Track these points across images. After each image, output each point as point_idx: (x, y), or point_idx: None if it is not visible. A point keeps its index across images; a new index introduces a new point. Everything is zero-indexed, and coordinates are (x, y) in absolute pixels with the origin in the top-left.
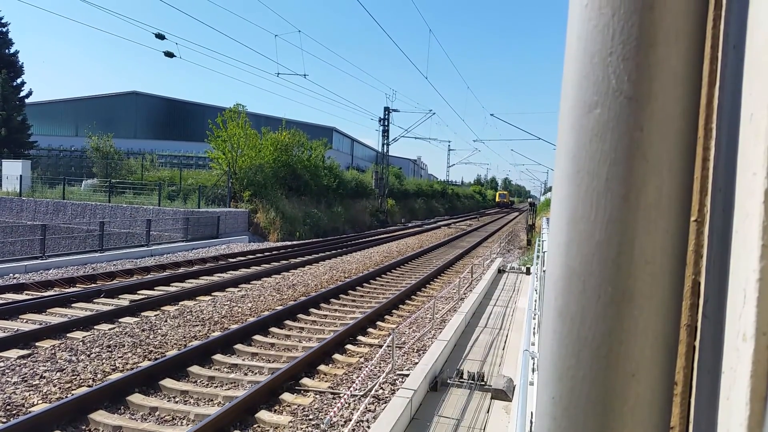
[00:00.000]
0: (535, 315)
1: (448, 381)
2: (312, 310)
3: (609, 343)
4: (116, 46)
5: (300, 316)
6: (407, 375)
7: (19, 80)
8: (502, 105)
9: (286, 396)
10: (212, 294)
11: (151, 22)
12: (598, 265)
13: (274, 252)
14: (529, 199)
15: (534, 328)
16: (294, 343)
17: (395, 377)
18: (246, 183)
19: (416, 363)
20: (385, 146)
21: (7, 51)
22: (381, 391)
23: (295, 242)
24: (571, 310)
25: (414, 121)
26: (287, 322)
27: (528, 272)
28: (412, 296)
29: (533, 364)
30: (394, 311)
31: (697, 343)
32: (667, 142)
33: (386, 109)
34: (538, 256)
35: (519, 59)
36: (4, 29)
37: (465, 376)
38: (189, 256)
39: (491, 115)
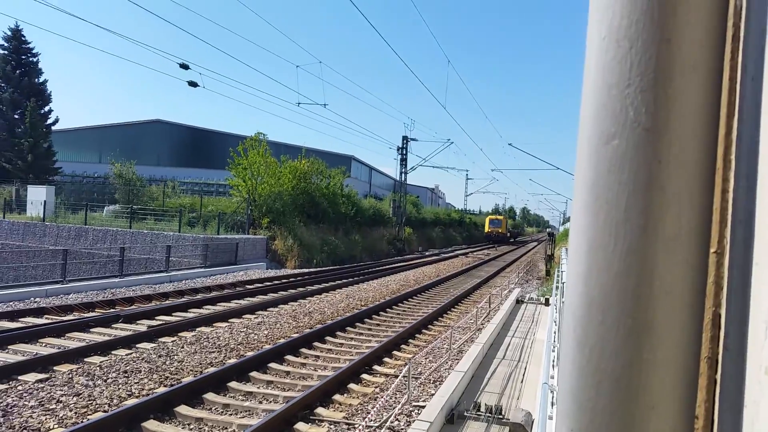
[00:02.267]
0: (554, 347)
1: (465, 413)
2: (328, 338)
3: (629, 374)
4: (142, 76)
5: (316, 344)
6: (423, 406)
7: (46, 108)
8: (520, 134)
9: (301, 426)
10: (229, 321)
11: (176, 52)
12: (617, 296)
13: (291, 279)
14: (547, 229)
15: (553, 361)
16: (309, 372)
17: (411, 408)
18: (265, 210)
19: (433, 394)
20: (402, 175)
21: (36, 80)
22: (396, 422)
23: (312, 269)
24: (590, 340)
25: (432, 150)
26: (303, 350)
27: (547, 303)
28: (429, 326)
29: (552, 397)
30: (410, 341)
31: (718, 377)
32: (686, 173)
33: (404, 138)
34: (557, 287)
35: (537, 89)
36: (35, 59)
37: (482, 408)
38: (207, 282)
39: (509, 144)
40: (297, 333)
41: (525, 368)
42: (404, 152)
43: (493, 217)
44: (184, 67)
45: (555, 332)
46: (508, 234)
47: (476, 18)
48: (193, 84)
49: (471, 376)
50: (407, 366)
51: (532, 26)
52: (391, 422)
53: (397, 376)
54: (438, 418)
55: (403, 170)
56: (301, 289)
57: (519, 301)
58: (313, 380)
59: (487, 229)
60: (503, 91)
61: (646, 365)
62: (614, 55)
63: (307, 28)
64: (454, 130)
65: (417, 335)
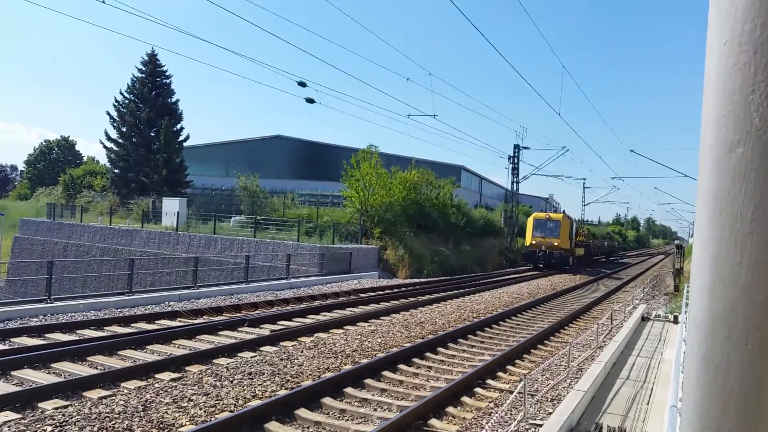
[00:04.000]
0: (684, 368)
1: None
2: (440, 349)
3: (758, 392)
4: (263, 94)
5: (427, 354)
6: (540, 425)
7: (178, 126)
8: (643, 140)
9: None
10: (344, 327)
11: (294, 71)
12: (744, 310)
13: (402, 289)
14: (675, 241)
15: (683, 383)
16: (422, 382)
17: (528, 426)
18: (376, 220)
19: (550, 413)
20: (514, 184)
21: (169, 100)
22: None
23: (422, 280)
24: (715, 357)
25: (546, 159)
26: (415, 359)
27: (676, 321)
28: (545, 341)
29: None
30: (525, 356)
31: None
32: None
33: (516, 146)
34: (687, 304)
35: (659, 93)
36: (168, 81)
37: (604, 430)
38: (323, 289)
39: (631, 151)
40: (409, 342)
41: (651, 390)
42: (516, 161)
43: (541, 215)
44: (302, 84)
45: (685, 352)
46: (581, 249)
47: (593, 21)
48: (310, 100)
49: (591, 396)
50: (522, 382)
51: (653, 29)
52: None
53: (511, 392)
54: None
55: (515, 179)
56: (412, 299)
57: (644, 319)
58: (425, 391)
59: (529, 239)
60: (623, 96)
61: None
62: (736, 61)
63: (417, 41)
64: (569, 137)
65: (532, 351)
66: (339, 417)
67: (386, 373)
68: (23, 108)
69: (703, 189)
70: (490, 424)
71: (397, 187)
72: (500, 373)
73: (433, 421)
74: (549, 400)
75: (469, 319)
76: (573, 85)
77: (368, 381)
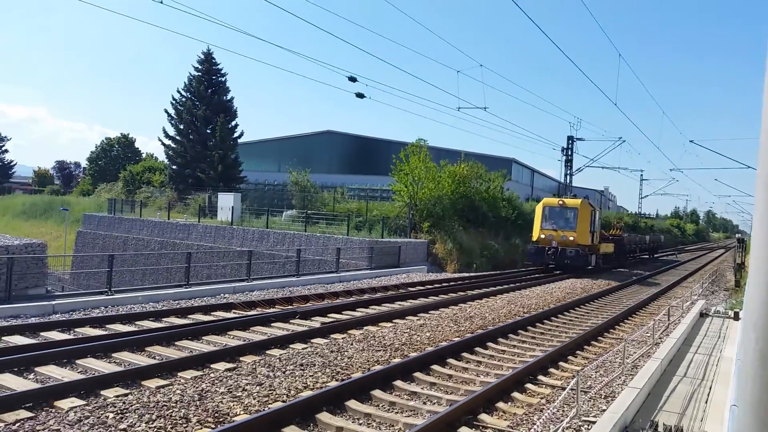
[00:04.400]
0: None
1: None
2: (489, 344)
3: None
4: (314, 90)
5: (477, 349)
6: (594, 422)
7: (233, 123)
8: (703, 131)
9: (464, 430)
10: (393, 321)
11: (345, 66)
12: None
13: (451, 283)
14: (737, 235)
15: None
16: (471, 377)
17: (580, 423)
18: (425, 214)
19: (604, 410)
20: (568, 177)
21: (225, 98)
22: None
23: (472, 274)
24: None
25: (601, 150)
26: (464, 354)
27: (736, 317)
28: (599, 337)
29: None
30: (578, 352)
31: None
32: None
33: (569, 138)
34: None
35: (721, 82)
36: (223, 79)
37: (660, 428)
38: (372, 283)
39: (691, 141)
40: (458, 337)
41: (710, 388)
42: (569, 153)
43: (553, 201)
44: (353, 80)
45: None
46: (609, 245)
47: (650, 11)
48: (360, 95)
49: (647, 394)
50: (575, 378)
51: (715, 14)
52: None
53: (564, 389)
54: None
55: (569, 172)
56: (461, 293)
57: (703, 315)
58: (475, 385)
59: (537, 232)
60: (682, 85)
61: None
62: None
63: (469, 32)
64: (626, 128)
65: (585, 347)
66: (389, 409)
67: (435, 366)
68: (85, 106)
69: (762, 183)
70: (541, 420)
71: (446, 181)
72: (552, 370)
73: (483, 416)
74: (602, 397)
75: (520, 314)
76: (630, 73)
77: (417, 374)
